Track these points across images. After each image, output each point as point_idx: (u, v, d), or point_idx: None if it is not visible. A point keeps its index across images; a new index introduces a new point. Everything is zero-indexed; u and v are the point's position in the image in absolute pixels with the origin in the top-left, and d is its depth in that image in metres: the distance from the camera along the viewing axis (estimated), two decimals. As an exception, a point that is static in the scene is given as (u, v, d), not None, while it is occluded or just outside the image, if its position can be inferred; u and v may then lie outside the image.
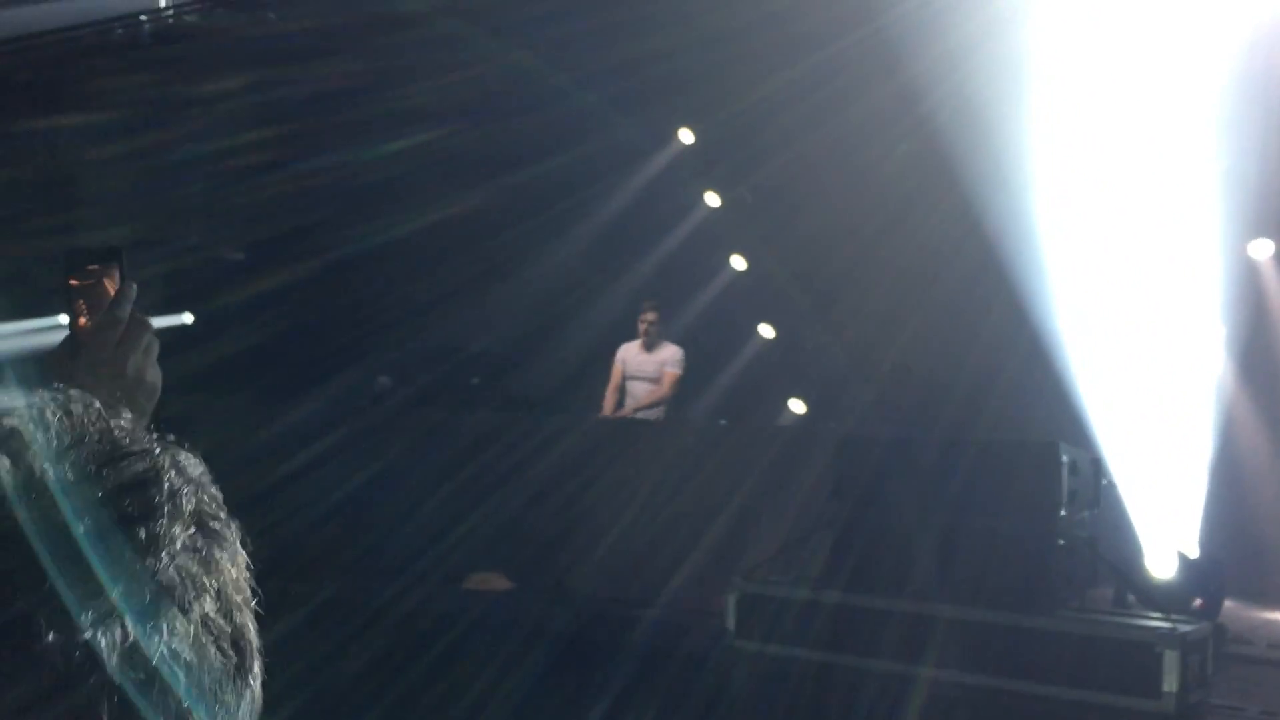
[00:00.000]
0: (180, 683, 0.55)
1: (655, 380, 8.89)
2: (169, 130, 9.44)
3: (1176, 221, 6.89)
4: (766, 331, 10.85)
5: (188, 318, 9.81)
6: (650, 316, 8.91)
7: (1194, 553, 6.32)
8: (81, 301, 1.49)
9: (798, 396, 10.16)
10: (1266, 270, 7.98)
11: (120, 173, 9.66)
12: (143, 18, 8.93)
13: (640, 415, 8.82)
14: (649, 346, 8.92)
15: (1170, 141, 6.93)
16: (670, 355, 8.92)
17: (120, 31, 8.92)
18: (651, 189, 10.74)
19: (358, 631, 6.42)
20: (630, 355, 9.00)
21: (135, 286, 1.48)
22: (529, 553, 7.73)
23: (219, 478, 0.65)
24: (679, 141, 10.75)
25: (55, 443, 0.58)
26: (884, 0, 7.26)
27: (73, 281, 1.50)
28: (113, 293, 1.49)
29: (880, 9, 7.30)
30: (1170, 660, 4.80)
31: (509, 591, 7.50)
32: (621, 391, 8.99)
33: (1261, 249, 8.00)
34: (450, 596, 7.25)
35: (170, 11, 9.08)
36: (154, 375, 1.47)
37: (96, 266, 1.50)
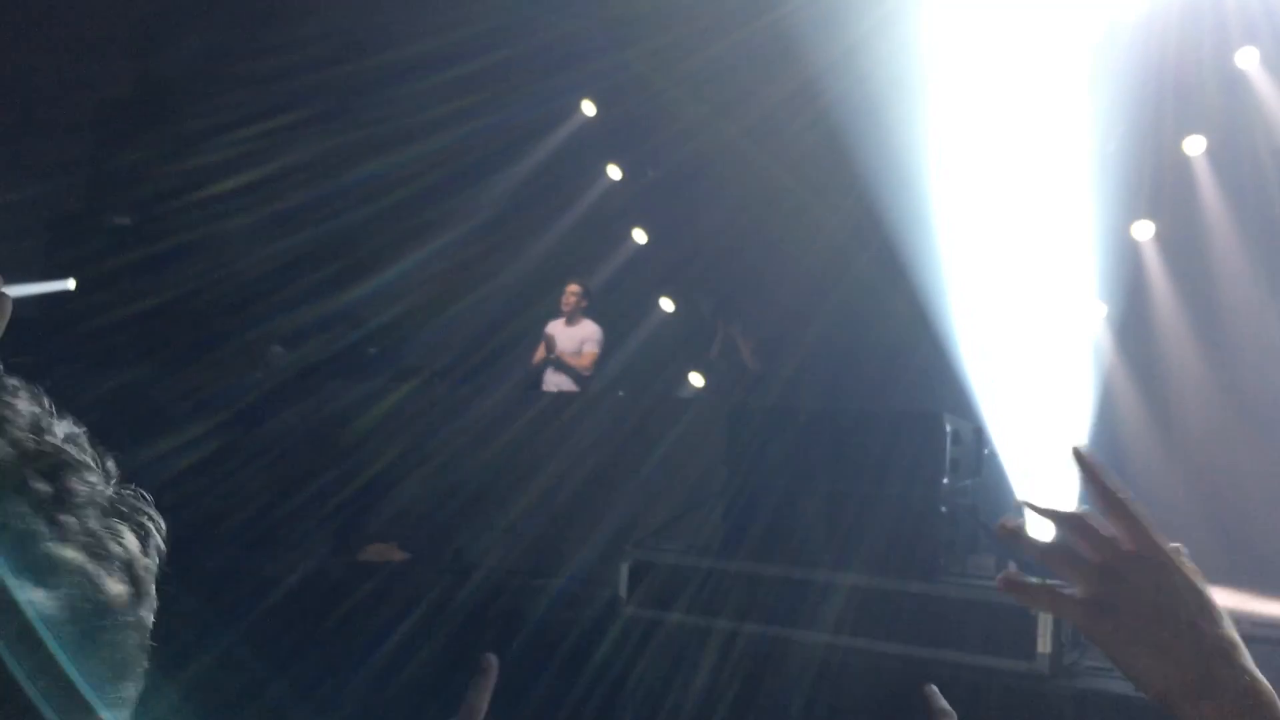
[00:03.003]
0: None
1: (575, 355, 9.01)
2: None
3: (1059, 204, 7.09)
4: (666, 305, 10.89)
5: (70, 284, 9.51)
6: (574, 288, 9.02)
7: (1073, 520, 6.49)
8: None
9: (698, 370, 10.22)
10: (1147, 250, 8.25)
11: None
12: None
13: (554, 383, 8.88)
14: (570, 320, 9.03)
15: (1053, 127, 7.12)
16: (590, 333, 9.05)
17: None
18: (555, 161, 10.71)
19: (252, 603, 6.34)
20: (556, 330, 9.09)
21: None
22: (426, 525, 7.68)
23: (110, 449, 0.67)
24: (581, 113, 10.71)
25: None
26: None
27: None
28: None
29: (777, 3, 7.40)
30: (1044, 623, 4.95)
31: (404, 563, 7.45)
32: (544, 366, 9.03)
33: (1143, 230, 8.27)
34: (344, 568, 7.18)
35: None
36: None
37: None
